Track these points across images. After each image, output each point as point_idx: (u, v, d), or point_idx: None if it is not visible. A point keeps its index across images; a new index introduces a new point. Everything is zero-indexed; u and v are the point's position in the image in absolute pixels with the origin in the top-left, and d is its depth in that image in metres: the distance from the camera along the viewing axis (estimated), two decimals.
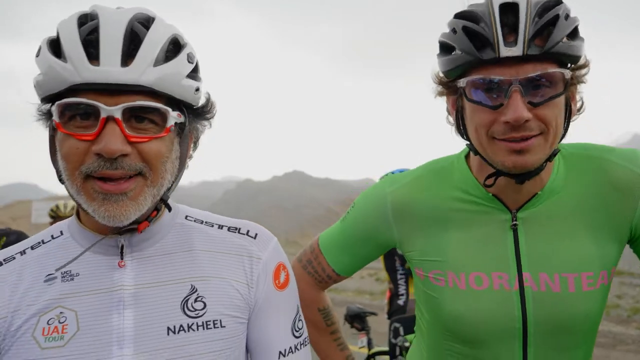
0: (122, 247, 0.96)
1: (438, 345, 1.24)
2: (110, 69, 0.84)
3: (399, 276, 3.75)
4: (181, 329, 0.93)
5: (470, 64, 1.04)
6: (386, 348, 4.07)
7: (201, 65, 0.98)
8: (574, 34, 1.04)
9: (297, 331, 1.07)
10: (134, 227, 0.95)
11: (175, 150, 0.95)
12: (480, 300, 1.14)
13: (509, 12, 1.01)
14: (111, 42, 0.85)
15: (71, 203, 4.67)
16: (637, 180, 1.09)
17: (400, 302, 3.71)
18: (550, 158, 1.08)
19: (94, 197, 0.88)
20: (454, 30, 1.06)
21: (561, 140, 1.11)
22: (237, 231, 1.08)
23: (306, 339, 1.10)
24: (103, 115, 0.84)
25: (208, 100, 1.02)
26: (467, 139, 1.14)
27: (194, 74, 0.96)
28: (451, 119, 1.19)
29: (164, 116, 0.90)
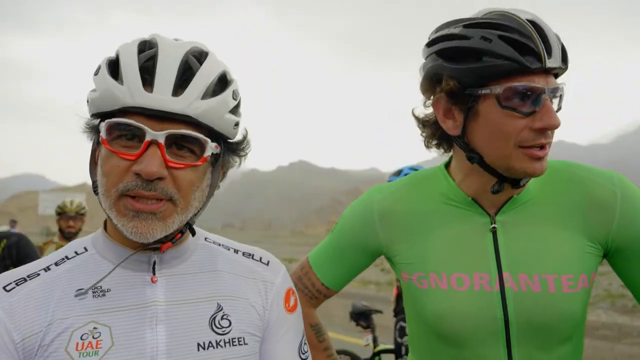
0: (154, 263, 0.99)
1: (428, 348, 1.27)
2: (162, 97, 0.90)
3: None
4: (210, 345, 0.97)
5: (509, 72, 1.05)
6: (392, 346, 4.09)
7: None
8: None
9: (303, 353, 1.11)
10: (157, 247, 0.98)
11: (206, 179, 1.00)
12: (461, 301, 1.16)
13: (536, 27, 1.06)
14: (166, 72, 0.92)
15: (77, 200, 4.70)
16: (614, 199, 1.15)
17: None
18: None
19: (124, 213, 0.91)
20: (484, 39, 1.07)
21: None
22: (250, 257, 1.13)
23: None
24: (148, 138, 0.89)
25: (245, 137, 1.06)
26: (464, 146, 1.16)
27: (236, 109, 1.01)
28: (423, 131, 1.26)
29: (202, 147, 0.95)
